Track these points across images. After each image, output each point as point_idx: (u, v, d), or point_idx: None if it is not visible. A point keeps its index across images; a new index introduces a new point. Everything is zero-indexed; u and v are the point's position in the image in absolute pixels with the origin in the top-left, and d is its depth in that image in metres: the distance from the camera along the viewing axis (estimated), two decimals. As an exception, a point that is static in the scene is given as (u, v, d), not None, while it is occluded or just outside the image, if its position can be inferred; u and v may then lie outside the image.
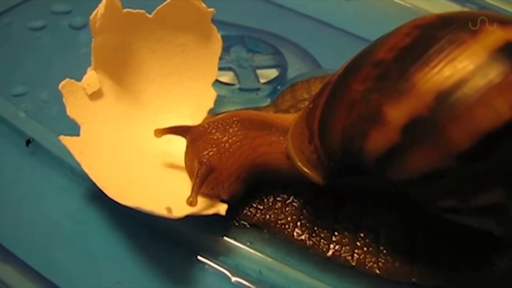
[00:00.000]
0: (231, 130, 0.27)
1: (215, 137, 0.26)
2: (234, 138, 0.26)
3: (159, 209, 0.24)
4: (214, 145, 0.26)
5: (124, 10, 0.30)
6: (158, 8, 0.30)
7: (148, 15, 0.30)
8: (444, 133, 0.20)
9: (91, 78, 0.29)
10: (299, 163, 0.26)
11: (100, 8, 0.28)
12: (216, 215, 0.26)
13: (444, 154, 0.21)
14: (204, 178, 0.25)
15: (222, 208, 0.26)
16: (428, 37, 0.22)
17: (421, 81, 0.21)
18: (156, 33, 0.31)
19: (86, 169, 0.26)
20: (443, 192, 0.22)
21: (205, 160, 0.26)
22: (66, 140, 0.27)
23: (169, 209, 0.24)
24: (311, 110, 0.26)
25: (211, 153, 0.26)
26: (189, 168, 0.28)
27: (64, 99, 0.28)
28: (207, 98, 0.32)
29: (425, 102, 0.21)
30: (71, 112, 0.28)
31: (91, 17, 0.28)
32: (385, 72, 0.22)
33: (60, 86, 0.27)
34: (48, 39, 0.39)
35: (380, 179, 0.23)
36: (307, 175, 0.25)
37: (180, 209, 0.24)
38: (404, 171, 0.22)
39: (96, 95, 0.29)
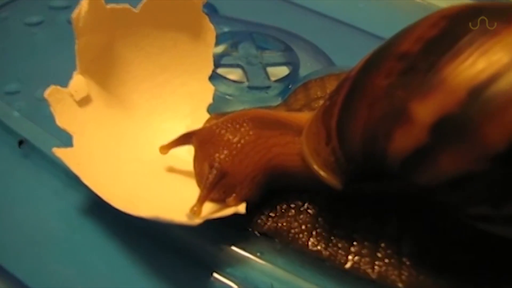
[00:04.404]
0: (242, 129, 0.26)
1: (225, 138, 0.25)
2: (246, 138, 0.25)
3: (178, 217, 0.23)
4: (225, 147, 0.25)
5: (108, 6, 0.29)
6: (143, 1, 0.30)
7: (133, 10, 0.30)
8: (477, 132, 0.19)
9: (78, 83, 0.28)
10: (315, 166, 0.25)
11: (83, 5, 0.27)
12: (222, 223, 0.25)
13: (477, 156, 0.19)
14: (215, 184, 0.25)
15: (241, 207, 0.25)
16: (458, 28, 0.21)
17: (452, 75, 0.20)
18: (143, 28, 0.30)
19: (87, 181, 0.25)
20: (474, 198, 0.21)
21: (216, 164, 0.25)
22: (60, 152, 0.26)
23: (190, 216, 0.24)
24: (328, 108, 0.25)
25: (222, 155, 0.25)
26: (198, 174, 0.27)
27: (51, 108, 0.27)
28: (205, 93, 0.31)
29: (456, 98, 0.20)
30: (60, 121, 0.27)
31: (74, 16, 0.27)
32: (411, 66, 0.21)
33: (45, 95, 0.27)
34: (45, 35, 0.39)
35: (404, 184, 0.22)
36: (324, 179, 0.24)
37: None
38: (432, 175, 0.21)
39: (85, 101, 0.28)
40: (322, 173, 0.24)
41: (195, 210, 0.24)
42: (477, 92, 0.19)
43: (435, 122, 0.20)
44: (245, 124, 0.26)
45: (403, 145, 0.21)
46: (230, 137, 0.25)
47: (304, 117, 0.27)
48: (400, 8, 0.43)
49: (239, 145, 0.25)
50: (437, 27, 0.21)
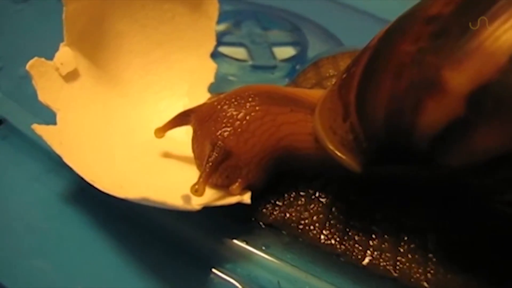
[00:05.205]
0: (248, 105, 0.24)
1: (229, 114, 0.24)
2: (252, 114, 0.24)
3: (173, 200, 0.22)
4: (228, 124, 0.24)
5: None
6: None
7: None
8: (521, 104, 0.18)
9: (65, 55, 0.27)
10: (330, 146, 0.23)
11: None
12: (223, 213, 0.24)
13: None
14: (218, 163, 0.23)
15: (246, 196, 0.24)
16: None
17: (490, 38, 0.18)
18: None
19: (69, 162, 0.24)
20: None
21: (219, 142, 0.23)
22: (41, 129, 0.25)
23: (186, 200, 0.22)
24: (345, 80, 0.23)
25: (226, 133, 0.24)
26: (198, 157, 0.25)
27: (34, 82, 0.26)
28: (206, 71, 0.30)
29: (496, 64, 0.18)
30: (43, 97, 0.26)
31: None
32: (442, 29, 0.20)
33: (28, 66, 0.26)
34: (32, 11, 0.38)
35: (434, 167, 0.21)
36: (341, 160, 0.23)
37: (193, 200, 0.22)
38: (467, 154, 0.19)
39: (71, 76, 0.27)
40: (338, 153, 0.23)
41: (197, 188, 0.22)
42: (520, 57, 0.18)
43: (472, 92, 0.18)
44: (250, 99, 0.24)
45: (434, 118, 0.19)
46: (234, 113, 0.24)
47: (317, 93, 0.26)
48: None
49: (244, 122, 0.24)
50: None
